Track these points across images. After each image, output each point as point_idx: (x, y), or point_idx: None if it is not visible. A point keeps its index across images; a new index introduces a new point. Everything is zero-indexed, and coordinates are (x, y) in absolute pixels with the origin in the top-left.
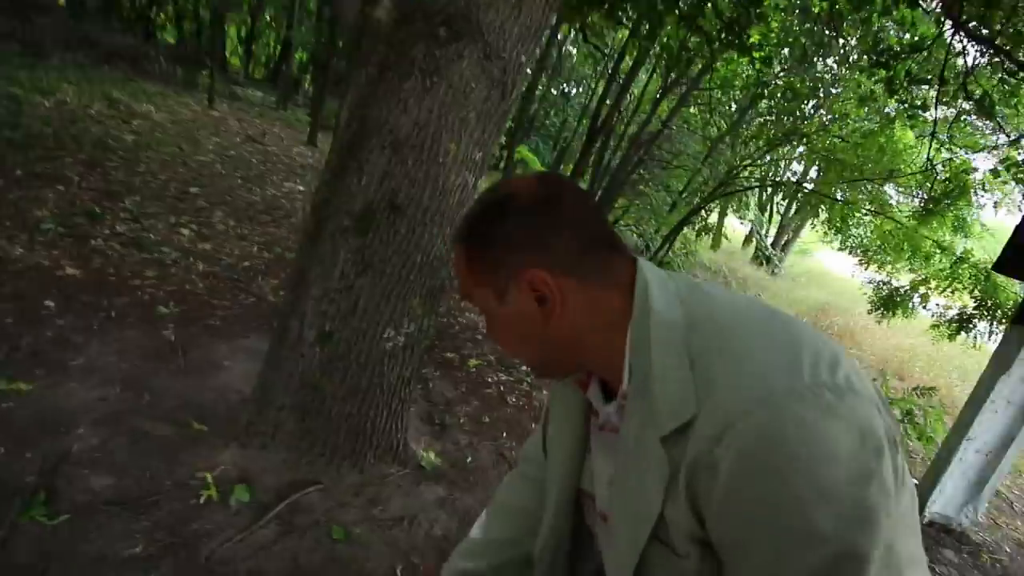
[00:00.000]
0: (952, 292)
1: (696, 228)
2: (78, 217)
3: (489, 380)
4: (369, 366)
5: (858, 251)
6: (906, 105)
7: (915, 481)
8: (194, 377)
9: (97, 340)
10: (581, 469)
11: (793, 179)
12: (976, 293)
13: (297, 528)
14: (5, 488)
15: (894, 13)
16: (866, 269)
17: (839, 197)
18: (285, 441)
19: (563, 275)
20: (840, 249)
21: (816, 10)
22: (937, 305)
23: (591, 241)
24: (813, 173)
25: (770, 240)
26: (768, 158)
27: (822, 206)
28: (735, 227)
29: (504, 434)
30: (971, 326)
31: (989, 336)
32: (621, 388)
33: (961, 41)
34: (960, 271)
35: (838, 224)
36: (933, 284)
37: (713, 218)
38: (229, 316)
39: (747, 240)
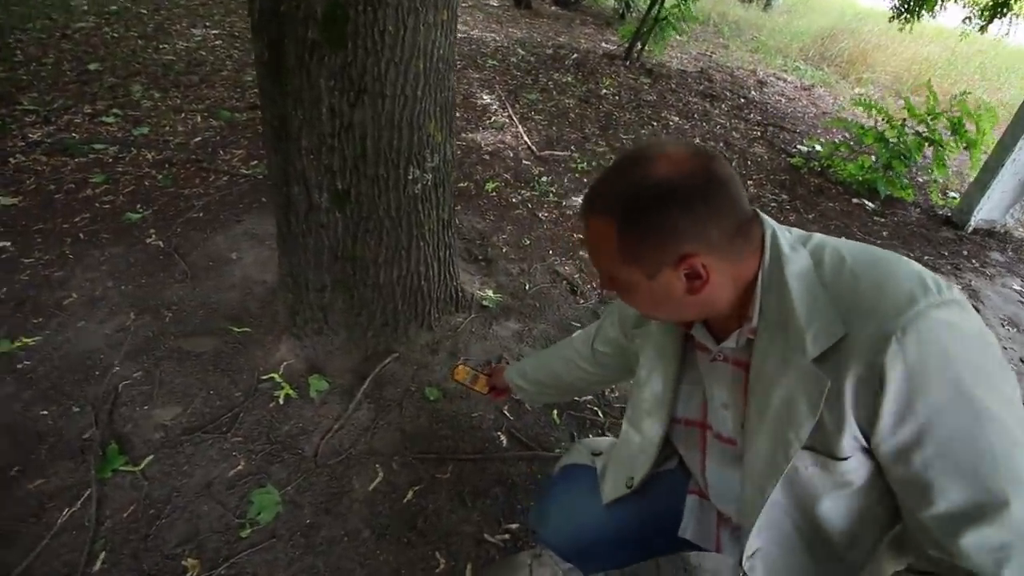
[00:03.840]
0: None
1: None
2: None
3: (514, 200)
4: (403, 218)
5: None
6: None
7: (957, 196)
8: (206, 279)
9: (80, 269)
10: (676, 400)
11: None
12: None
13: (390, 401)
14: (70, 450)
15: None
16: None
17: None
18: (340, 321)
19: (717, 258)
20: None
21: None
22: None
23: (741, 220)
24: None
25: None
26: None
27: None
28: None
29: (550, 251)
30: (1006, 10)
31: None
32: (747, 326)
33: None
34: None
35: None
36: None
37: None
38: (210, 203)
39: None
